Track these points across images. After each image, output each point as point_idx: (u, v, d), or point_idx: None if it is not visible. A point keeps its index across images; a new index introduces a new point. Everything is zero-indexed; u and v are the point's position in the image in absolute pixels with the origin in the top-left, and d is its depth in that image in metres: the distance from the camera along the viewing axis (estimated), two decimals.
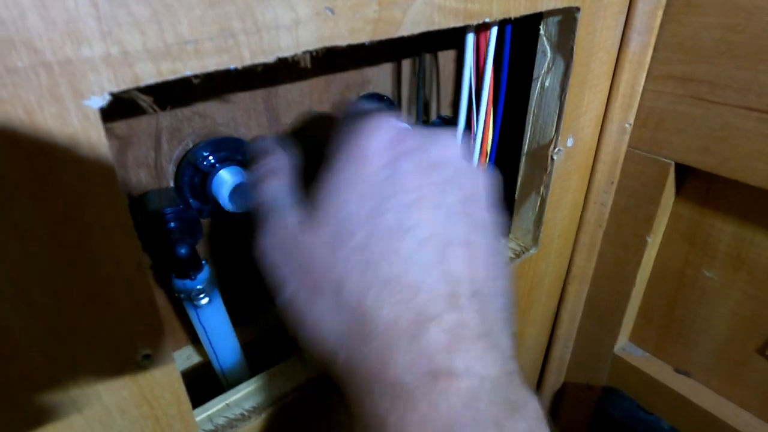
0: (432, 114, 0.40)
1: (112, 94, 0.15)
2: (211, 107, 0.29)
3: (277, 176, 0.22)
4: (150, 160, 0.29)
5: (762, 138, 0.31)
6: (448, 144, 0.20)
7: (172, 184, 0.30)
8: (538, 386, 0.53)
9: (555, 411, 0.54)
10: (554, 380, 0.51)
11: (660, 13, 0.33)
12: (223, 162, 0.29)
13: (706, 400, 0.41)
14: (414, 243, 0.18)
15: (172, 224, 0.27)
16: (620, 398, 0.46)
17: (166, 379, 0.20)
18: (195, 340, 0.35)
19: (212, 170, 0.29)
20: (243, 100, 0.31)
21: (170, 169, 0.29)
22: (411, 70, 0.38)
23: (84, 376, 0.17)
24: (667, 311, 0.42)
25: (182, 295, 0.28)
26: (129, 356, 0.18)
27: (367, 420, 0.17)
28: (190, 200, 0.29)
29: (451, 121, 0.38)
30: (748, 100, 0.31)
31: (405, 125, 0.20)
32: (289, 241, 0.19)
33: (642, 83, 0.35)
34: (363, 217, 0.18)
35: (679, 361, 0.43)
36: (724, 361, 0.40)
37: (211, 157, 0.29)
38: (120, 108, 0.25)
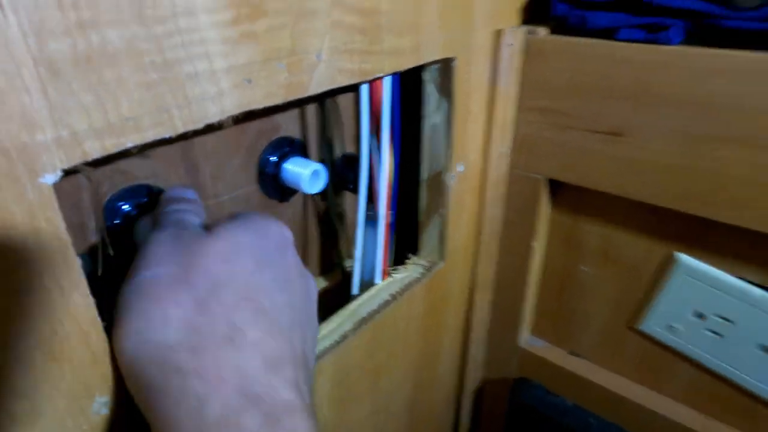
0: (337, 151, 0.44)
1: (64, 170, 0.17)
2: (130, 163, 0.31)
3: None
4: (72, 217, 0.29)
5: (605, 154, 0.38)
6: None
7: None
8: (460, 387, 0.57)
9: (478, 407, 0.59)
10: (473, 379, 0.56)
11: (520, 58, 0.39)
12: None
13: (596, 375, 0.48)
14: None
15: None
16: (530, 386, 0.52)
17: (124, 422, 0.21)
18: None
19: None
20: (161, 154, 0.32)
21: (90, 225, 0.30)
22: (316, 113, 0.41)
23: (45, 428, 0.18)
24: (557, 304, 0.49)
25: None
26: (86, 405, 0.20)
27: None
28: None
29: (353, 158, 0.43)
30: (595, 125, 0.38)
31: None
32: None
33: (514, 115, 0.42)
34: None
35: (572, 345, 0.50)
36: (605, 339, 0.47)
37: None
38: None
